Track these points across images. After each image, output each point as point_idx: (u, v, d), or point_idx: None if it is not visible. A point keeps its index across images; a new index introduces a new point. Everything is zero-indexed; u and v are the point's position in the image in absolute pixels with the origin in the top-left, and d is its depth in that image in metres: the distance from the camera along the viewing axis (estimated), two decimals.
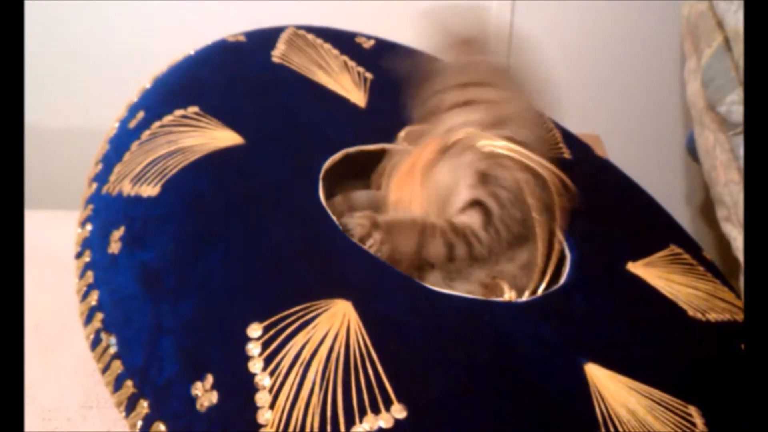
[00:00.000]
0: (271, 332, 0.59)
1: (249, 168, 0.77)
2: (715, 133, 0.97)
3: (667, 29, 1.43)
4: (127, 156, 0.76)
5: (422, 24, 0.91)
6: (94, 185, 0.75)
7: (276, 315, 0.61)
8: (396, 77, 0.94)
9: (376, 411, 0.56)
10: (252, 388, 0.56)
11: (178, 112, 0.80)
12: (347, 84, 0.96)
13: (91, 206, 0.73)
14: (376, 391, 0.57)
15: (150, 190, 0.71)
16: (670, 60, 1.45)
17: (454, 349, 0.65)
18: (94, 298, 0.65)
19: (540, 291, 0.79)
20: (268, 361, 0.57)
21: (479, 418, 0.60)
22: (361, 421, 0.56)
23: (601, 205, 0.92)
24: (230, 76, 0.90)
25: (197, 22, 1.35)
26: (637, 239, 0.88)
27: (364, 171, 0.91)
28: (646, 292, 0.83)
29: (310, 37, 1.00)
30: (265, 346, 0.58)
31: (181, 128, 0.78)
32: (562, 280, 0.81)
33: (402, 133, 0.92)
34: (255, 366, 0.57)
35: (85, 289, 0.67)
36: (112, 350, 0.62)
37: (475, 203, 0.80)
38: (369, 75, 0.99)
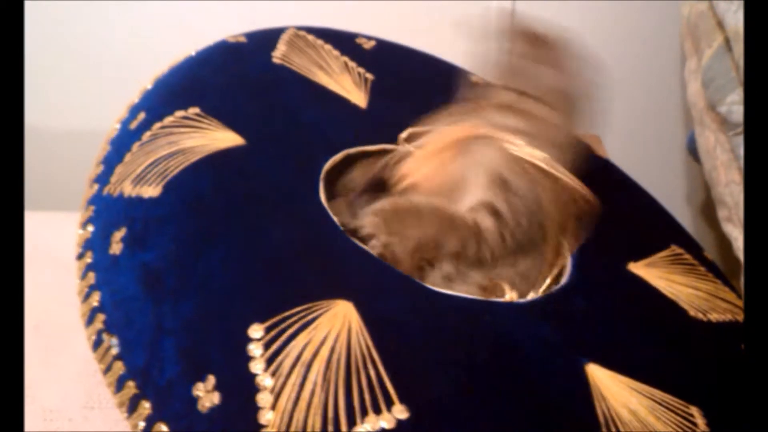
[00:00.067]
0: (273, 333, 0.59)
1: (250, 169, 0.77)
2: (715, 133, 0.97)
3: (667, 29, 1.43)
4: (128, 157, 0.76)
5: (476, 22, 0.89)
6: (96, 186, 0.75)
7: (277, 316, 0.61)
8: (397, 78, 0.95)
9: (377, 411, 0.56)
10: (253, 389, 0.56)
11: (179, 113, 0.80)
12: (348, 85, 0.96)
13: (92, 207, 0.73)
14: (378, 391, 0.57)
15: (151, 191, 0.71)
16: (670, 60, 1.45)
17: (456, 349, 0.65)
18: (95, 299, 0.65)
19: (541, 291, 0.79)
20: (269, 362, 0.57)
21: (481, 418, 0.60)
22: (362, 422, 0.55)
23: (602, 206, 0.92)
24: (231, 77, 0.90)
25: (198, 23, 1.35)
26: (638, 239, 0.88)
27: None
28: (647, 292, 0.83)
29: (311, 38, 1.00)
30: (267, 346, 0.58)
31: (182, 129, 0.78)
32: (563, 280, 0.81)
33: (403, 134, 0.92)
34: (256, 367, 0.57)
35: (86, 290, 0.67)
36: (114, 351, 0.62)
37: (488, 205, 0.80)
38: (370, 76, 0.99)
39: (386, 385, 0.58)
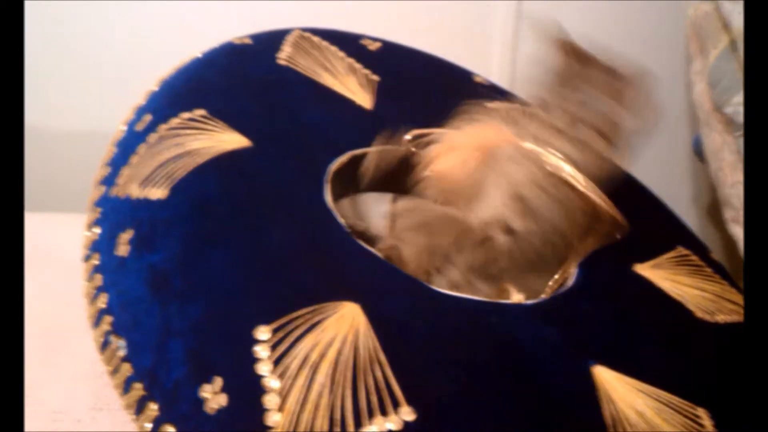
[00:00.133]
0: (280, 334, 0.59)
1: (256, 170, 0.77)
2: (722, 134, 0.97)
3: (672, 30, 1.43)
4: (134, 159, 0.76)
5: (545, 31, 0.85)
6: (102, 188, 0.76)
7: (284, 317, 0.61)
8: (403, 79, 0.95)
9: (384, 413, 0.56)
10: (260, 391, 0.56)
11: (185, 115, 0.80)
12: (353, 86, 0.96)
13: (99, 209, 0.73)
14: (385, 393, 0.57)
15: (158, 193, 0.71)
16: (675, 61, 1.45)
17: (462, 351, 0.65)
18: (102, 301, 0.65)
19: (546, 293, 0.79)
20: (276, 364, 0.57)
21: (487, 419, 0.60)
22: (369, 423, 0.56)
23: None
24: (236, 78, 0.90)
25: (198, 23, 1.35)
26: (644, 241, 0.88)
27: None
28: (653, 293, 0.83)
29: (316, 39, 1.00)
30: (274, 348, 0.58)
31: (188, 131, 0.78)
32: (569, 282, 0.81)
33: (408, 136, 0.92)
34: (263, 368, 0.57)
35: (94, 292, 0.67)
36: (122, 353, 0.62)
37: (503, 223, 0.79)
38: (375, 77, 0.99)
39: (393, 386, 0.58)
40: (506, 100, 1.05)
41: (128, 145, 0.79)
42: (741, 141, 0.92)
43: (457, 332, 0.67)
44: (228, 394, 0.56)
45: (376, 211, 0.80)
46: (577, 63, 0.83)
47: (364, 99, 0.95)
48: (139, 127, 0.80)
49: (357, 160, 0.87)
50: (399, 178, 0.93)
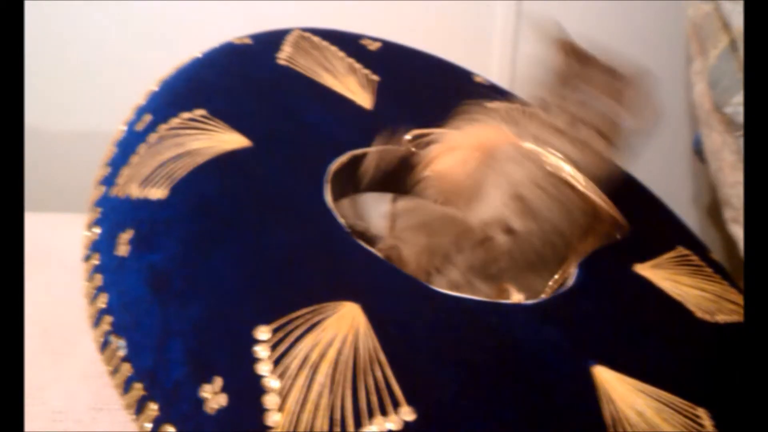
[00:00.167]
0: (280, 334, 0.59)
1: (256, 170, 0.77)
2: (722, 134, 0.97)
3: (672, 30, 1.43)
4: (134, 159, 0.76)
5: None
6: (102, 188, 0.76)
7: (284, 317, 0.61)
8: (402, 79, 0.95)
9: (384, 413, 0.56)
10: (260, 391, 0.56)
11: (185, 115, 0.80)
12: (353, 86, 0.96)
13: (99, 209, 0.73)
14: (385, 393, 0.57)
15: (158, 193, 0.71)
16: (675, 61, 1.45)
17: (462, 351, 0.65)
18: (103, 301, 0.65)
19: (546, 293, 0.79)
20: (276, 364, 0.57)
21: (487, 419, 0.60)
22: (369, 423, 0.56)
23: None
24: (236, 78, 0.90)
25: (198, 23, 1.35)
26: (644, 241, 0.88)
27: None
28: (654, 293, 0.83)
29: (316, 39, 1.00)
30: (274, 348, 0.58)
31: (188, 131, 0.78)
32: (569, 282, 0.81)
33: (408, 136, 0.92)
34: (263, 368, 0.57)
35: (94, 292, 0.67)
36: (122, 353, 0.62)
37: (503, 223, 0.79)
38: (375, 77, 0.99)
39: (393, 386, 0.58)
40: (506, 100, 1.05)
41: (128, 145, 0.79)
42: (741, 141, 0.92)
43: (457, 332, 0.67)
44: (228, 394, 0.56)
45: (376, 211, 0.80)
46: (577, 63, 0.83)
47: (364, 99, 0.95)
48: (139, 127, 0.80)
49: (357, 160, 0.87)
50: (399, 178, 0.93)
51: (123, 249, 0.68)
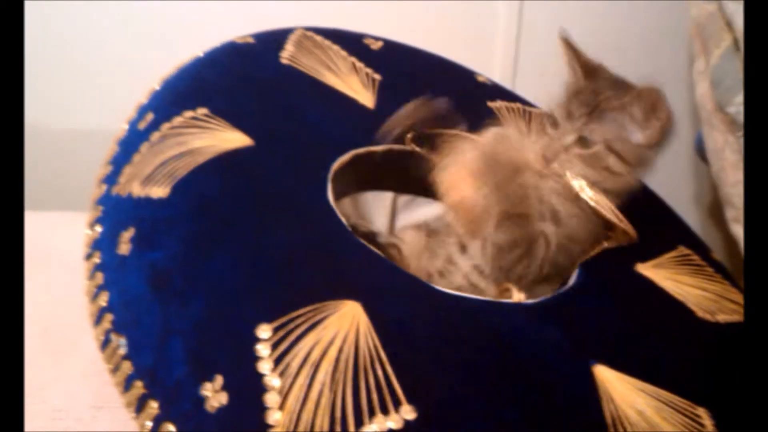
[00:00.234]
0: (281, 333, 0.59)
1: (258, 169, 0.77)
2: (724, 134, 0.97)
3: (675, 30, 1.43)
4: (136, 158, 0.76)
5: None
6: (104, 187, 0.76)
7: (285, 316, 0.61)
8: (404, 78, 0.94)
9: (385, 412, 0.56)
10: (261, 389, 0.56)
11: (188, 114, 0.80)
12: (355, 85, 0.96)
13: (100, 208, 0.73)
14: (386, 392, 0.58)
15: (159, 192, 0.71)
16: (678, 61, 1.45)
17: (464, 350, 0.65)
18: (104, 299, 0.65)
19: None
20: (277, 362, 0.58)
21: (488, 418, 0.60)
22: (370, 422, 0.56)
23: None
24: (239, 77, 0.90)
25: (202, 23, 1.35)
26: (646, 240, 0.88)
27: (371, 173, 0.91)
28: (655, 293, 0.83)
29: (319, 38, 1.00)
30: (275, 347, 0.58)
31: (191, 130, 0.78)
32: (571, 281, 0.81)
33: (410, 135, 0.92)
34: (264, 367, 0.57)
35: (95, 290, 0.67)
36: (122, 351, 0.62)
37: (544, 234, 0.80)
38: (377, 76, 0.99)
39: (394, 385, 0.58)
40: (509, 100, 1.05)
41: (130, 143, 0.79)
42: (743, 141, 0.92)
43: (458, 331, 0.67)
44: (228, 392, 0.56)
45: (377, 210, 0.80)
46: (586, 76, 0.83)
47: (366, 98, 0.95)
48: (142, 125, 0.80)
49: (359, 159, 0.87)
50: (400, 177, 0.93)
51: (124, 247, 0.68)
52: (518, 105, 1.08)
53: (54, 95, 1.37)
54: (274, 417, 0.55)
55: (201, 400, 0.57)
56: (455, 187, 0.82)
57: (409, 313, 0.66)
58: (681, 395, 0.68)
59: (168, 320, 0.62)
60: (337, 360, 0.58)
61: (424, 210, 0.98)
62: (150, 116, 0.81)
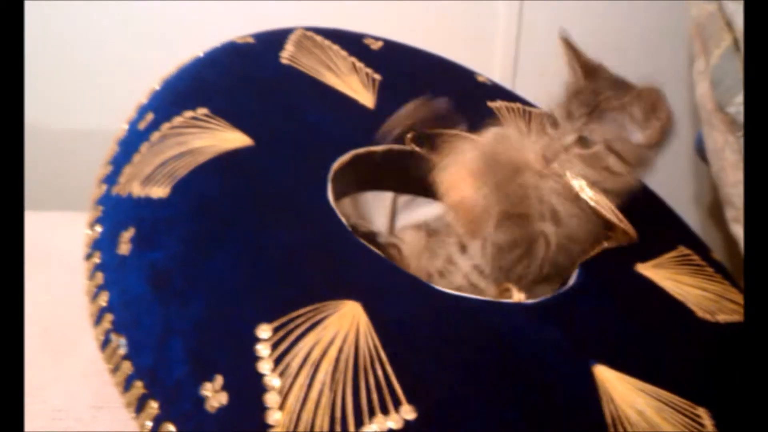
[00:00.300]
0: (281, 333, 0.59)
1: (258, 169, 0.77)
2: (724, 134, 0.97)
3: (675, 30, 1.43)
4: (136, 158, 0.76)
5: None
6: (104, 187, 0.76)
7: (285, 316, 0.61)
8: (404, 78, 0.94)
9: (385, 412, 0.56)
10: (261, 389, 0.56)
11: (188, 114, 0.80)
12: (355, 85, 0.96)
13: (100, 207, 0.73)
14: (386, 392, 0.58)
15: (160, 192, 0.71)
16: (678, 60, 1.45)
17: (463, 350, 0.65)
18: (104, 299, 0.65)
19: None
20: (277, 362, 0.58)
21: (488, 418, 0.60)
22: (370, 422, 0.56)
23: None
24: (239, 77, 0.90)
25: (201, 23, 1.35)
26: (646, 240, 0.88)
27: (371, 173, 0.91)
28: (655, 293, 0.83)
29: (319, 38, 1.00)
30: (275, 347, 0.58)
31: (191, 130, 0.78)
32: (571, 281, 0.81)
33: (410, 135, 0.92)
34: (264, 367, 0.57)
35: (95, 290, 0.67)
36: (122, 351, 0.62)
37: (544, 234, 0.80)
38: (377, 76, 0.99)
39: (394, 385, 0.58)
40: (509, 100, 1.05)
41: (130, 143, 0.79)
42: (743, 141, 0.92)
43: (458, 331, 0.67)
44: (228, 392, 0.56)
45: (377, 210, 0.80)
46: (586, 77, 0.83)
47: (366, 98, 0.95)
48: (142, 125, 0.80)
49: (359, 159, 0.87)
50: (400, 177, 0.93)
51: (124, 247, 0.68)
52: (518, 105, 1.08)
53: (54, 95, 1.37)
54: (274, 417, 0.55)
55: (201, 400, 0.57)
56: (455, 187, 0.82)
57: (409, 313, 0.66)
58: (681, 395, 0.68)
59: (168, 320, 0.62)
60: (337, 360, 0.58)
61: (424, 210, 0.98)
62: (150, 116, 0.81)
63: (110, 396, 0.63)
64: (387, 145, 0.90)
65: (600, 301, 0.79)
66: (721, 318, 0.82)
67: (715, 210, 1.45)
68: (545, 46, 1.41)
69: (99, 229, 0.72)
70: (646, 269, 0.86)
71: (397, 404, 0.57)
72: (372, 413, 0.56)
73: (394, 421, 0.56)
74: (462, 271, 0.83)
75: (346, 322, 0.61)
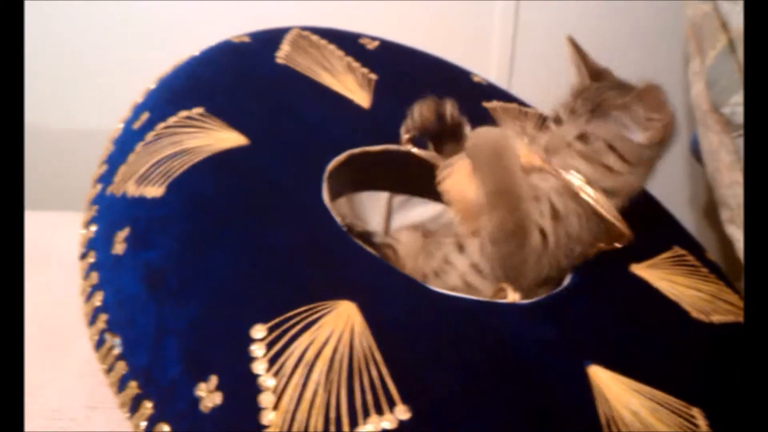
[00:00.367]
0: (276, 333, 0.59)
1: (253, 169, 0.77)
2: (719, 134, 0.97)
3: (671, 30, 1.43)
4: (131, 157, 0.76)
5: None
6: (99, 186, 0.75)
7: (280, 316, 0.61)
8: (400, 78, 0.94)
9: (380, 412, 0.56)
10: (256, 389, 0.56)
11: (183, 113, 0.80)
12: (351, 85, 0.96)
13: (95, 207, 0.73)
14: (380, 392, 0.57)
15: (154, 191, 0.71)
16: (673, 61, 1.45)
17: (458, 351, 0.65)
18: (98, 299, 0.65)
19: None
20: (272, 362, 0.57)
21: (483, 419, 0.60)
22: (365, 422, 0.56)
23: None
24: (235, 77, 0.90)
25: (200, 23, 1.35)
26: (641, 241, 0.88)
27: (367, 173, 0.91)
28: (650, 293, 0.83)
29: (315, 38, 1.00)
30: (269, 347, 0.58)
31: (186, 129, 0.78)
32: (566, 281, 0.81)
33: (407, 136, 0.92)
34: (259, 367, 0.57)
35: (89, 289, 0.67)
36: (117, 351, 0.62)
37: (541, 228, 0.80)
38: (373, 76, 0.99)
39: (388, 385, 0.58)
40: (505, 101, 1.05)
41: (125, 142, 0.79)
42: (738, 141, 0.92)
43: (453, 331, 0.67)
44: (223, 392, 0.56)
45: (372, 210, 0.80)
46: (589, 77, 0.83)
47: (362, 98, 0.95)
48: (137, 125, 0.80)
49: (354, 159, 0.87)
50: (396, 177, 0.93)
51: (119, 247, 0.68)
52: (514, 105, 1.09)
53: (54, 95, 1.37)
54: (269, 417, 0.55)
55: (196, 400, 0.56)
56: (456, 187, 0.82)
57: (404, 314, 0.66)
58: (675, 395, 0.69)
59: (163, 320, 0.61)
60: (332, 360, 0.58)
61: (420, 210, 0.98)
62: (145, 116, 0.81)
63: (105, 396, 0.63)
64: (383, 145, 0.90)
65: (594, 301, 0.79)
66: (716, 318, 0.82)
67: (710, 211, 1.45)
68: (541, 46, 1.42)
69: (94, 228, 0.71)
70: (641, 269, 0.86)
71: (391, 404, 0.57)
72: (366, 413, 0.56)
73: (388, 421, 0.56)
74: (458, 271, 0.82)
75: (341, 322, 0.61)
